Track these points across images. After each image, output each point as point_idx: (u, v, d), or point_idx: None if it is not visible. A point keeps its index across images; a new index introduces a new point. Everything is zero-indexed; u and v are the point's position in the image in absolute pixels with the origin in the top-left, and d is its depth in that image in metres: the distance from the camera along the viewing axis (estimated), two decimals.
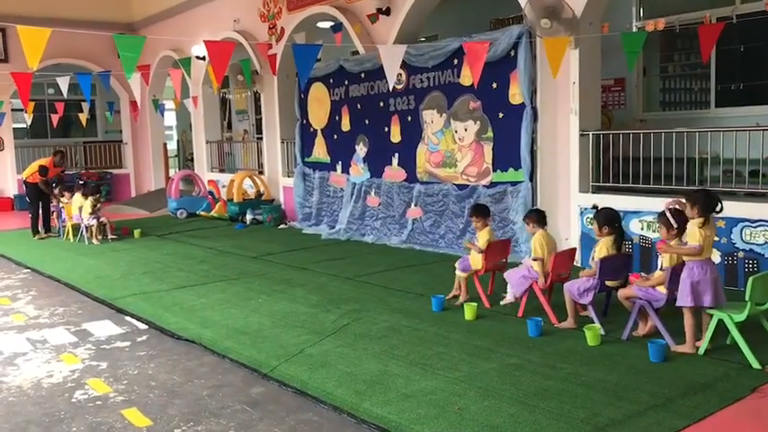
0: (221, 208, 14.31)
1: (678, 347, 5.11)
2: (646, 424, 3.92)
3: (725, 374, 4.66)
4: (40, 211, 12.43)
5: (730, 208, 6.92)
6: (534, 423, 3.96)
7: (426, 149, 10.38)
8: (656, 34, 8.45)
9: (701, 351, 5.02)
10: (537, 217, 6.50)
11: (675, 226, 5.32)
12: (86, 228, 11.63)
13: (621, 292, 5.57)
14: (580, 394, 4.37)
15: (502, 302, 6.42)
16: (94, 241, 11.57)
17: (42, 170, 12.07)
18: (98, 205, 11.76)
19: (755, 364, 4.74)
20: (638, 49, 7.38)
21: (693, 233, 5.07)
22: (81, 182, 12.73)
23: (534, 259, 6.22)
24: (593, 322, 5.60)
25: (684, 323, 5.12)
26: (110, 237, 11.84)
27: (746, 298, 4.76)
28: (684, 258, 5.15)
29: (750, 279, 4.75)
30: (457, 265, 6.85)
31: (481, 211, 6.93)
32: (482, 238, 6.73)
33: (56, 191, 12.31)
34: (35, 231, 12.39)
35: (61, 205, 12.27)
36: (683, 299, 5.07)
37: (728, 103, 9.49)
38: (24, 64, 8.08)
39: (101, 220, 11.74)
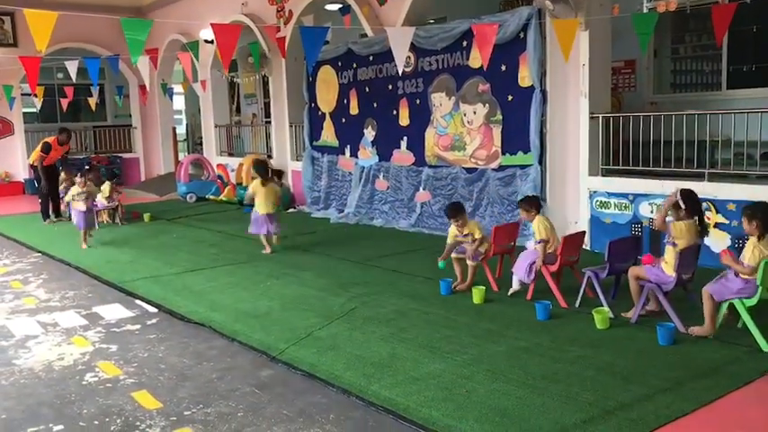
0: (230, 192, 14.33)
1: (696, 329, 5.04)
2: (654, 407, 3.92)
3: (735, 358, 4.64)
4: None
5: (742, 191, 6.91)
6: (542, 406, 3.97)
7: (435, 133, 10.34)
8: (667, 15, 8.35)
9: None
10: (536, 203, 6.47)
11: (683, 207, 5.32)
12: (98, 213, 11.69)
13: (632, 271, 5.54)
14: (588, 377, 4.37)
15: (509, 293, 6.37)
16: (119, 222, 11.84)
17: (45, 147, 12.03)
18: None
19: (765, 348, 4.73)
20: (649, 31, 7.27)
21: (749, 253, 4.83)
22: (86, 167, 12.80)
23: (539, 242, 6.19)
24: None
25: (704, 307, 5.03)
26: (121, 221, 11.94)
27: (758, 282, 4.73)
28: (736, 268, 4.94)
29: (762, 263, 4.72)
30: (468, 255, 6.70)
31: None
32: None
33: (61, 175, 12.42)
34: (45, 216, 12.43)
35: (62, 188, 12.33)
36: (725, 295, 4.94)
37: (740, 85, 9.38)
38: (33, 48, 8.06)
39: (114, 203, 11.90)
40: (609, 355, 4.75)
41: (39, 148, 12.16)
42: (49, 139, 12.28)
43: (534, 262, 6.15)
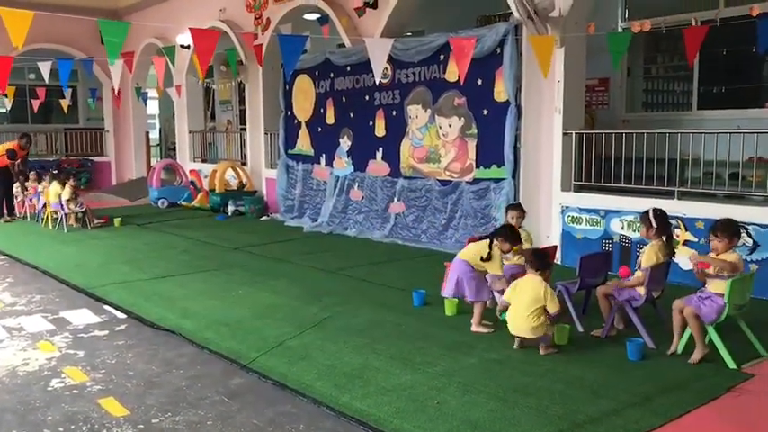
0: (203, 198, 14.23)
1: (694, 357, 4.91)
2: (623, 421, 3.95)
3: (701, 374, 4.71)
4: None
5: (710, 209, 7.04)
6: (513, 419, 3.99)
7: (410, 144, 10.38)
8: (640, 35, 8.51)
9: (679, 350, 5.06)
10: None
11: (655, 225, 5.39)
12: (66, 215, 11.56)
13: (601, 290, 5.60)
14: (558, 391, 4.40)
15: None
16: (89, 226, 11.73)
17: (11, 153, 12.52)
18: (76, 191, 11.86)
19: (731, 364, 4.80)
20: (623, 50, 7.43)
21: (734, 256, 4.93)
22: (54, 171, 12.86)
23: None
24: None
25: (693, 332, 4.93)
26: (91, 225, 11.79)
27: (725, 300, 4.81)
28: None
29: (729, 281, 4.79)
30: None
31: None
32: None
33: (30, 177, 12.59)
34: (0, 214, 12.81)
35: (25, 193, 12.76)
36: (710, 317, 4.89)
37: (710, 106, 9.58)
38: (4, 48, 7.94)
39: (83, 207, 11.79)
40: (578, 369, 4.79)
41: (4, 155, 12.57)
42: (12, 145, 12.73)
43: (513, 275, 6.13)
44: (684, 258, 7.10)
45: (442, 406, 4.17)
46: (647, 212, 5.51)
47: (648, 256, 5.37)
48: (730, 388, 4.48)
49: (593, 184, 8.33)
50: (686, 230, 7.18)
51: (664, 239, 5.46)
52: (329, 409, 4.21)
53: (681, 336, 5.07)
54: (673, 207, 7.34)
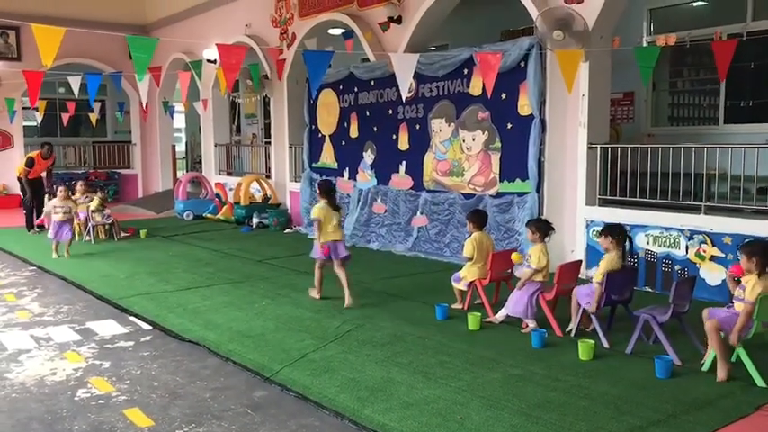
0: (228, 211, 14.35)
1: (720, 375, 4.84)
2: None
3: (729, 392, 4.64)
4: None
5: (737, 225, 6.95)
6: None
7: (434, 158, 10.39)
8: (665, 49, 8.46)
9: (706, 368, 5.00)
10: (544, 228, 6.43)
11: (611, 239, 5.81)
12: (93, 227, 11.73)
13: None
14: (582, 407, 4.36)
15: (496, 320, 6.40)
16: (115, 238, 11.88)
17: (29, 162, 12.60)
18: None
19: (760, 382, 4.72)
20: (652, 64, 7.35)
21: (749, 289, 4.80)
22: (70, 182, 13.08)
23: (537, 270, 6.19)
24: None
25: (713, 347, 4.91)
26: (117, 237, 11.97)
27: (753, 317, 4.74)
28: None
29: (759, 298, 4.72)
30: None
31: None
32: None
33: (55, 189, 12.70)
34: (30, 227, 12.89)
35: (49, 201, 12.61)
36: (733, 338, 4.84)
37: (737, 120, 9.48)
38: (36, 63, 8.10)
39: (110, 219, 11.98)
40: (603, 385, 4.74)
41: (23, 162, 12.71)
42: (33, 154, 12.85)
43: (534, 293, 6.13)
44: (712, 274, 7.06)
45: (464, 421, 4.15)
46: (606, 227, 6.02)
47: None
48: (759, 407, 4.40)
49: (618, 198, 8.28)
50: (713, 245, 7.10)
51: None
52: (351, 422, 4.21)
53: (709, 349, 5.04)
54: (700, 222, 7.28)
